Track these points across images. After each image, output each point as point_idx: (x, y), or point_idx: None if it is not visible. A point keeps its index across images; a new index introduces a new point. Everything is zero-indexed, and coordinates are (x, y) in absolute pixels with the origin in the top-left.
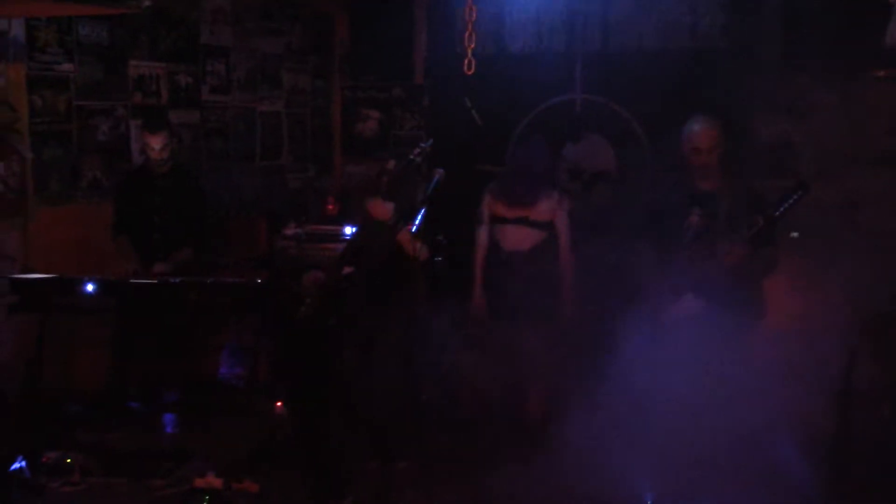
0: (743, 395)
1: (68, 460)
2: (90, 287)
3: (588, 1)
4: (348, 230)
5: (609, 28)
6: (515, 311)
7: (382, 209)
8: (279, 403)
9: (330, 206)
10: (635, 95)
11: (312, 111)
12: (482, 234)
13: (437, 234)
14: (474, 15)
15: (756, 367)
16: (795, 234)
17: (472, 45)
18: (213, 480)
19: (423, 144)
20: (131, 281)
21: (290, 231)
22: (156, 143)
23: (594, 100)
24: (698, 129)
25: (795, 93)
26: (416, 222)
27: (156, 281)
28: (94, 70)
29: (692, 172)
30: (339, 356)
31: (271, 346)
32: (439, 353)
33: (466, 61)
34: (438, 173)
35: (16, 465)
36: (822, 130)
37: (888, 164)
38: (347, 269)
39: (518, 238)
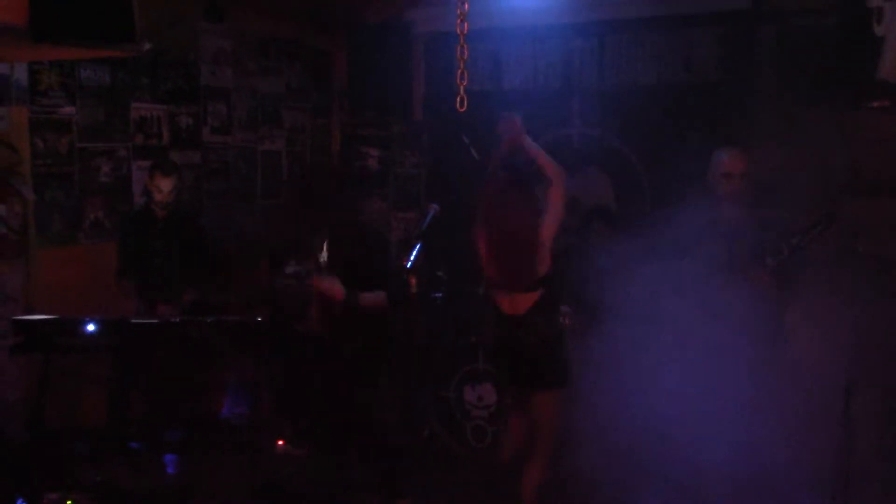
0: (761, 427)
1: (69, 502)
2: (91, 327)
3: (584, 36)
4: None
5: (605, 63)
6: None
7: (328, 287)
8: (281, 441)
9: None
10: (632, 129)
11: (312, 149)
12: None
13: (437, 270)
14: (466, 53)
15: (774, 396)
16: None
17: (465, 83)
18: None
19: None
20: (132, 321)
21: (290, 269)
22: (166, 185)
23: (591, 133)
24: (730, 155)
25: (790, 125)
26: (411, 258)
27: (156, 320)
28: (95, 112)
29: (718, 201)
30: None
31: (274, 384)
32: (442, 388)
33: (459, 98)
34: (433, 208)
35: None
36: (818, 161)
37: (883, 194)
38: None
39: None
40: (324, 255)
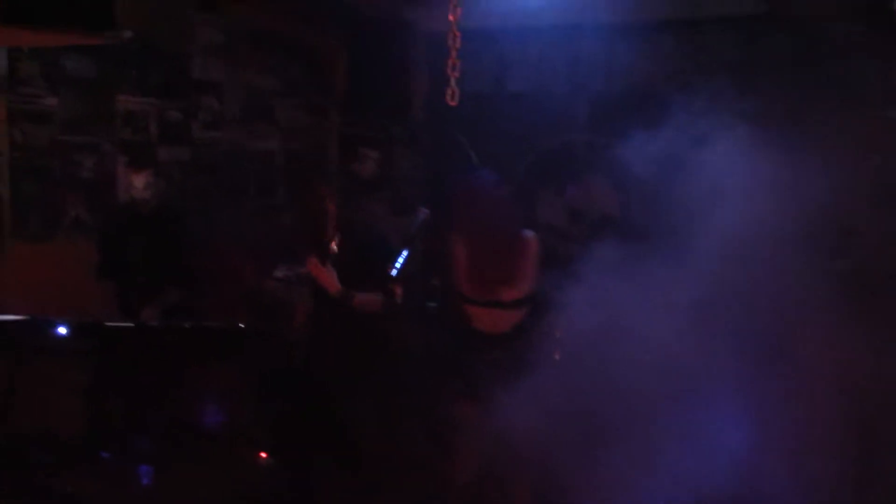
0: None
1: None
2: (63, 329)
3: (592, 39)
4: None
5: (613, 66)
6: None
7: (325, 276)
8: (263, 454)
9: None
10: (639, 136)
11: (309, 149)
12: None
13: (432, 278)
14: (458, 42)
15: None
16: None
17: (457, 74)
18: None
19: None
20: (107, 323)
21: (280, 273)
22: (139, 180)
23: (597, 140)
24: None
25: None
26: (397, 265)
27: (132, 324)
28: (79, 104)
29: None
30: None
31: (255, 392)
32: (432, 403)
33: (450, 91)
34: (423, 213)
35: None
36: None
37: None
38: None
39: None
40: (334, 246)
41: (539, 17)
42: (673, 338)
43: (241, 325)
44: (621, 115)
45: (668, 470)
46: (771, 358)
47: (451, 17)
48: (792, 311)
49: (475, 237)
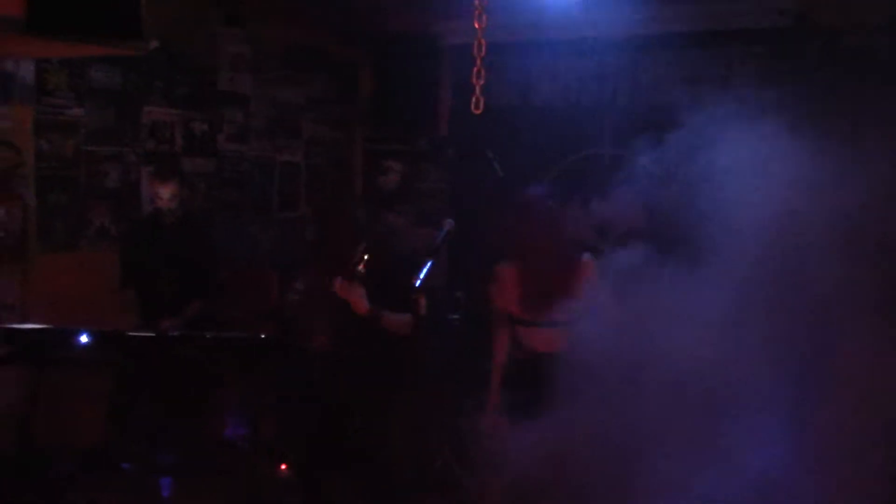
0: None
1: None
2: (85, 339)
3: (617, 53)
4: None
5: (639, 80)
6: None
7: (354, 296)
8: (284, 466)
9: None
10: (665, 149)
11: (333, 162)
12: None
13: (456, 291)
14: (484, 50)
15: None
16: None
17: (482, 82)
18: None
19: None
20: (127, 333)
21: (301, 285)
22: (165, 191)
23: (622, 154)
24: None
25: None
26: (421, 276)
27: (154, 334)
28: (105, 115)
29: None
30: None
31: (277, 404)
32: (456, 416)
33: (475, 100)
34: (448, 224)
35: None
36: None
37: None
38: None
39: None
40: (361, 268)
41: (564, 30)
42: (703, 350)
43: (263, 336)
44: (647, 127)
45: (703, 484)
46: (807, 369)
47: (476, 25)
48: (829, 321)
49: (529, 258)
